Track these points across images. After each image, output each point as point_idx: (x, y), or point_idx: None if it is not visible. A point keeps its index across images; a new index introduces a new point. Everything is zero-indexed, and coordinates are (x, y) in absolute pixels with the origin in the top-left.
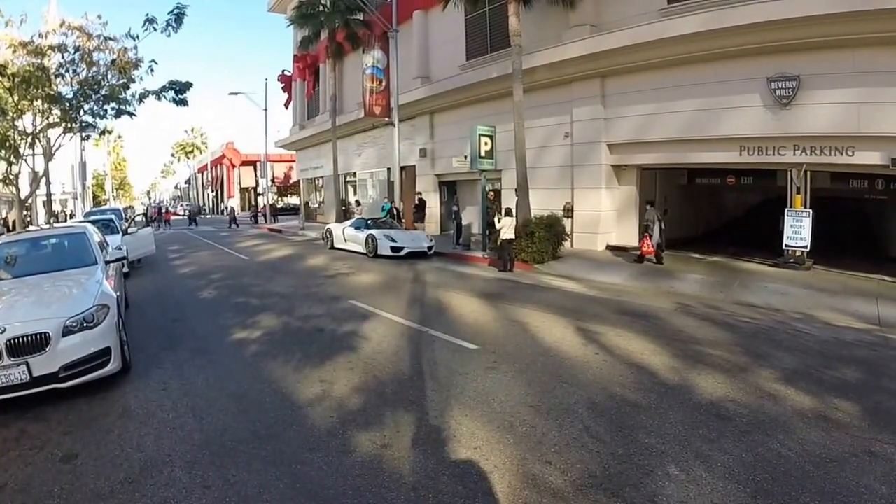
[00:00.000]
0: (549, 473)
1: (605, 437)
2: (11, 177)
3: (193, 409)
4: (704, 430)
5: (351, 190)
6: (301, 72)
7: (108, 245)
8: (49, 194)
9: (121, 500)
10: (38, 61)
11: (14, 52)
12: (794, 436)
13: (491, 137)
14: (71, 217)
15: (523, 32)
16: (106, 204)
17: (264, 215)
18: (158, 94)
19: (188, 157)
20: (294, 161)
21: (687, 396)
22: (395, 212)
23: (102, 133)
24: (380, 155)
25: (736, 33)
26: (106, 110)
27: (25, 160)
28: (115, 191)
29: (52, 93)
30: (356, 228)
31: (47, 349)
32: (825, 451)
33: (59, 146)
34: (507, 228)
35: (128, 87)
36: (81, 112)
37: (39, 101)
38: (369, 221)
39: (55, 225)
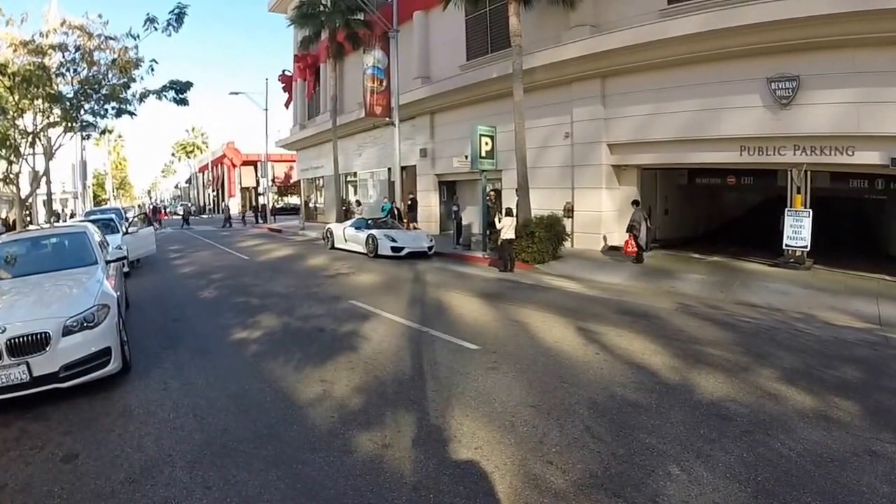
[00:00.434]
0: (551, 474)
1: (606, 437)
2: (12, 176)
3: (194, 409)
4: (705, 430)
5: (351, 190)
6: (302, 72)
7: (108, 245)
8: (49, 194)
9: (122, 500)
10: (39, 60)
11: (15, 51)
12: (795, 435)
13: (491, 137)
14: (72, 217)
15: (523, 33)
16: (106, 203)
17: (261, 215)
18: (159, 93)
19: (189, 157)
20: (294, 161)
21: (688, 396)
22: (395, 212)
23: (103, 132)
24: (380, 155)
25: (736, 33)
26: (106, 110)
27: (26, 159)
28: (115, 190)
29: (52, 92)
30: (357, 228)
31: (47, 349)
32: (826, 450)
33: (60, 145)
34: (507, 228)
35: (128, 87)
36: (82, 111)
37: (40, 101)
38: (370, 221)
39: (56, 224)
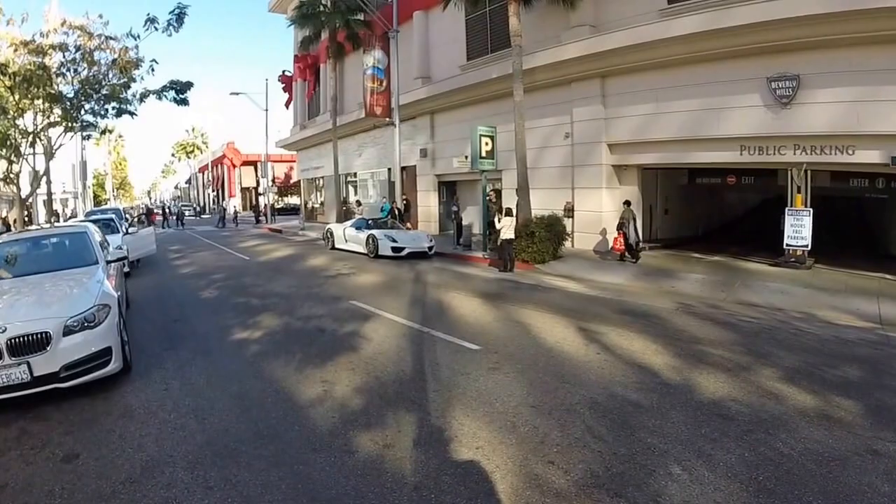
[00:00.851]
0: (552, 474)
1: (607, 437)
2: (12, 176)
3: (195, 410)
4: (707, 430)
5: (352, 190)
6: (302, 72)
7: (108, 244)
8: (49, 193)
9: (122, 501)
10: (40, 60)
11: (15, 50)
12: (796, 434)
13: (492, 138)
14: (72, 216)
15: (524, 33)
16: (106, 204)
17: (261, 214)
18: (159, 93)
19: (189, 157)
20: (294, 161)
21: (689, 396)
22: (396, 212)
23: (103, 132)
24: (380, 155)
25: (736, 33)
26: (107, 110)
27: (26, 159)
28: (115, 190)
29: (53, 92)
30: (357, 229)
31: (48, 349)
32: (827, 449)
33: (60, 145)
34: (506, 228)
35: (129, 87)
36: (82, 111)
37: (40, 101)
38: (370, 222)
39: (56, 224)
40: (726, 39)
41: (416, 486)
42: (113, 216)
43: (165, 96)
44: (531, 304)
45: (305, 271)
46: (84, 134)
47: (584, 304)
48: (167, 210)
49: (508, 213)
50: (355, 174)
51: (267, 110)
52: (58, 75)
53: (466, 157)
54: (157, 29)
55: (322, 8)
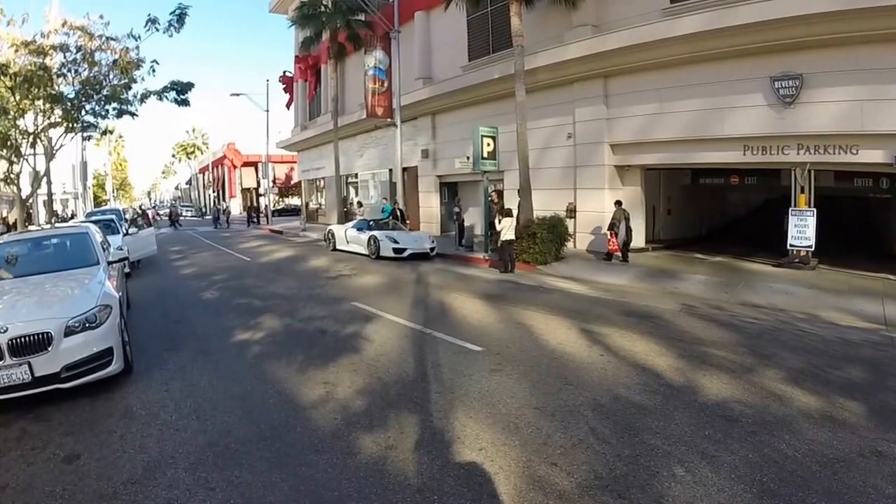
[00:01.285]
0: (555, 475)
1: (610, 438)
2: (13, 176)
3: (196, 411)
4: (710, 431)
5: (353, 191)
6: (303, 73)
7: (109, 245)
8: (50, 194)
9: (124, 502)
10: (40, 61)
11: (16, 51)
12: (800, 436)
13: (493, 138)
14: (72, 217)
15: (525, 33)
16: (107, 204)
17: (256, 216)
18: (160, 94)
19: (189, 158)
20: (295, 162)
21: (692, 397)
22: (398, 213)
23: (104, 133)
24: (382, 156)
25: (738, 32)
26: (107, 110)
27: (27, 160)
28: (115, 191)
29: (53, 92)
30: (358, 230)
31: (49, 349)
32: (831, 451)
33: (61, 146)
34: (507, 229)
35: (129, 88)
36: (83, 112)
37: (41, 101)
38: (371, 223)
39: (57, 225)
40: (729, 39)
41: (418, 487)
42: (113, 217)
43: (166, 97)
44: (533, 305)
45: (307, 272)
46: (84, 134)
47: (586, 305)
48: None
49: (508, 213)
50: (356, 175)
51: (268, 111)
52: (58, 76)
53: (468, 158)
54: (157, 29)
55: (323, 8)
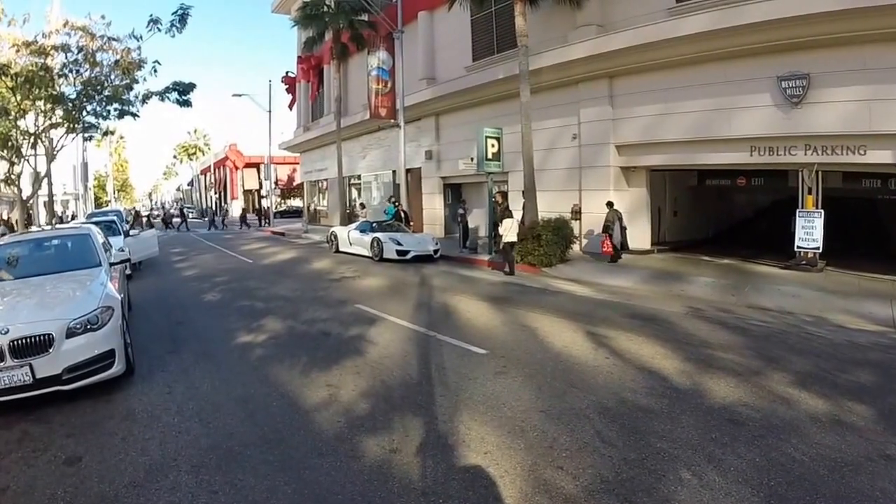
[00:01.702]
0: (561, 479)
1: (616, 441)
2: (13, 177)
3: (199, 413)
4: (717, 435)
5: (355, 192)
6: (305, 73)
7: (111, 246)
8: (51, 195)
9: None
10: (42, 61)
11: (17, 51)
12: (807, 440)
13: (498, 139)
14: (72, 218)
15: (530, 33)
16: (107, 205)
17: (248, 219)
18: (162, 94)
19: (191, 159)
20: (297, 163)
21: (699, 401)
22: (402, 215)
23: (105, 134)
24: (385, 157)
25: (745, 32)
26: (109, 111)
27: (27, 160)
28: (116, 192)
29: (54, 93)
30: (361, 232)
31: (51, 351)
32: (839, 454)
33: (62, 147)
34: (508, 231)
35: (131, 88)
36: (84, 112)
37: (42, 102)
38: (374, 224)
39: (58, 226)
40: (735, 38)
41: (423, 491)
42: (114, 218)
43: (168, 97)
44: (538, 307)
45: (309, 274)
46: (86, 135)
47: (592, 307)
48: (138, 213)
49: (508, 215)
50: (359, 176)
51: (270, 112)
52: (60, 76)
53: (472, 159)
54: (160, 30)
55: (326, 8)
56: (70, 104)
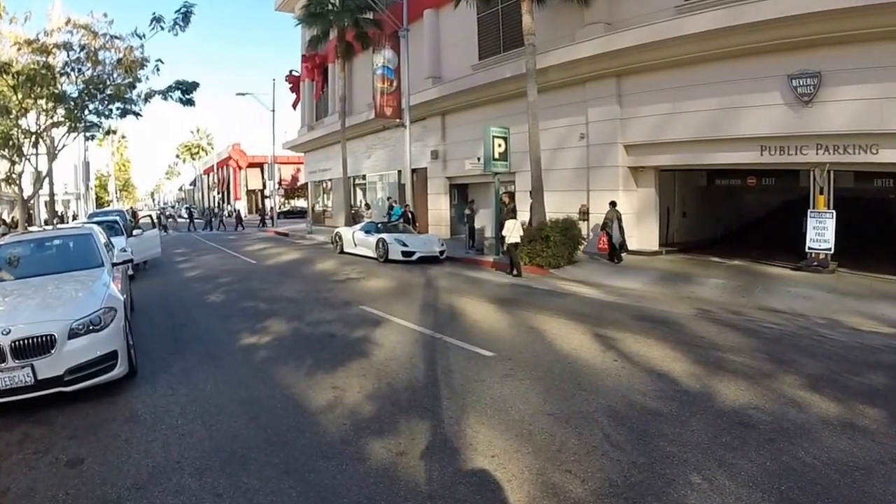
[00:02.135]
0: (569, 482)
1: (625, 445)
2: (14, 176)
3: (202, 415)
4: (727, 438)
5: (360, 193)
6: (309, 72)
7: (113, 247)
8: (52, 194)
9: None
10: (43, 59)
11: (19, 49)
12: (819, 443)
13: (505, 139)
14: (74, 219)
15: (537, 31)
16: (109, 205)
17: (242, 221)
18: (165, 93)
19: (193, 159)
20: (301, 163)
21: (709, 404)
22: (409, 215)
23: (107, 133)
24: (390, 157)
25: (754, 29)
26: (111, 110)
27: (29, 159)
28: (118, 192)
29: (56, 92)
30: (366, 232)
31: (53, 351)
32: (851, 458)
33: (63, 146)
34: (511, 232)
35: (134, 87)
36: (86, 111)
37: (44, 100)
38: (380, 225)
39: (59, 226)
40: (744, 36)
41: (430, 495)
42: (117, 218)
43: (171, 96)
44: (546, 309)
45: (314, 275)
46: (87, 134)
47: (600, 309)
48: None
49: (511, 216)
50: (364, 176)
51: (274, 111)
52: (62, 75)
53: (479, 159)
54: (163, 28)
55: (330, 6)
56: (72, 103)
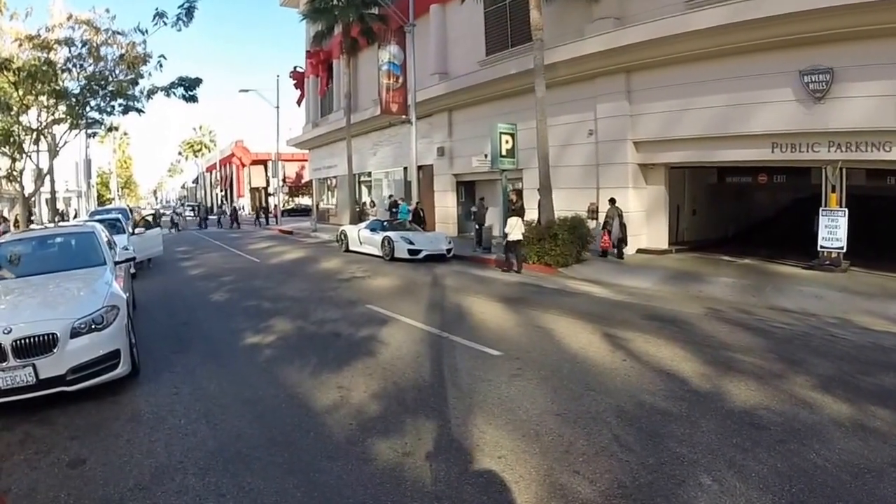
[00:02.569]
0: (577, 483)
1: (634, 446)
2: (15, 173)
3: (206, 415)
4: (737, 439)
5: (365, 190)
6: (314, 68)
7: (115, 245)
8: (53, 192)
9: None
10: (45, 55)
11: (20, 45)
12: (830, 445)
13: (512, 135)
14: (75, 216)
15: (545, 26)
16: (111, 203)
17: (238, 220)
18: (167, 90)
19: (196, 156)
20: (305, 160)
21: (719, 404)
22: (419, 213)
23: (109, 130)
24: (396, 154)
25: (765, 25)
26: (113, 106)
27: (30, 156)
28: (120, 190)
29: (58, 88)
30: (372, 230)
31: (55, 351)
32: (863, 460)
33: (65, 143)
34: (513, 230)
35: (136, 83)
36: (88, 108)
37: (45, 97)
38: (385, 223)
39: (60, 224)
40: (755, 31)
41: (436, 495)
42: (119, 216)
43: (174, 93)
44: (554, 308)
45: (319, 274)
46: (89, 131)
47: (609, 308)
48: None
49: (513, 213)
50: (370, 174)
51: (278, 107)
52: (63, 71)
53: (486, 156)
54: (165, 23)
55: (335, 2)
56: (73, 99)
